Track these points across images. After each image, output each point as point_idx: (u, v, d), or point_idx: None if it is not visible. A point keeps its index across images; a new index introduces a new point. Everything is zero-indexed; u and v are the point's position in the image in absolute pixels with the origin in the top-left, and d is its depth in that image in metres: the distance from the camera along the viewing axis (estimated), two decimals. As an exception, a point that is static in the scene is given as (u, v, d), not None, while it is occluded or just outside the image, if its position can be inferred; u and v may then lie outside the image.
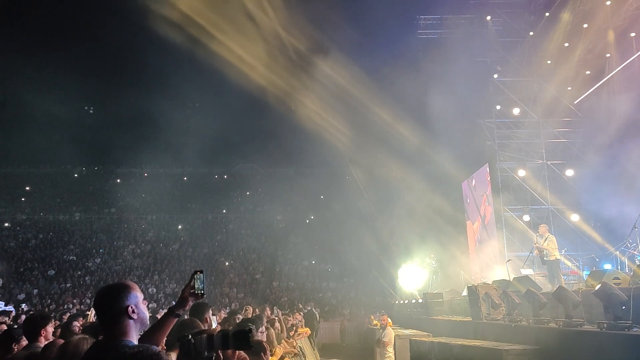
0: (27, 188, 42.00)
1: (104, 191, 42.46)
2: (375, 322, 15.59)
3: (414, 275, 20.85)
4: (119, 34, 38.31)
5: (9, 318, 10.12)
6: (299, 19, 24.84)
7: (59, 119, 48.62)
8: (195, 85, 47.20)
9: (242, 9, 25.69)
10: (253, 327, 4.03)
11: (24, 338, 4.29)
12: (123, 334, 2.17)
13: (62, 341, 3.85)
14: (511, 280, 12.19)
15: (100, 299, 2.23)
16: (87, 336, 3.30)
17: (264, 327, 5.75)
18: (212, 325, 4.18)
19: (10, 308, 19.15)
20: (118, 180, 44.62)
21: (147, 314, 2.31)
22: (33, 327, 4.23)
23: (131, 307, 2.20)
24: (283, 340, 7.87)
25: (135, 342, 2.20)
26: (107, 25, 40.16)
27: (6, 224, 36.65)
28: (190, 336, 2.59)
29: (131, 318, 2.19)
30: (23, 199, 40.54)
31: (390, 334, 12.42)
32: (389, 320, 15.40)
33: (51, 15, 41.38)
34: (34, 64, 41.49)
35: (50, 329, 4.35)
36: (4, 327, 6.20)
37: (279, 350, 6.48)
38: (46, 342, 4.17)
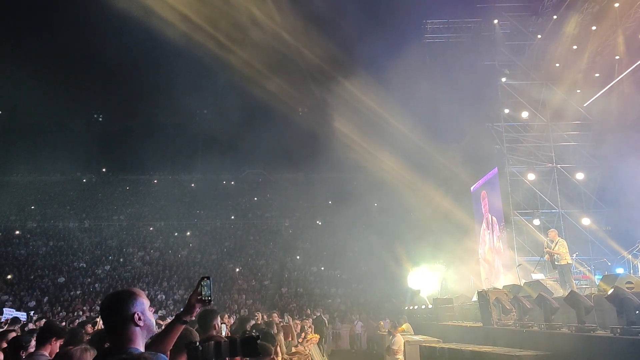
0: (38, 196, 42.33)
1: (113, 198, 42.72)
2: (385, 328, 15.56)
3: (423, 281, 20.74)
4: (127, 43, 38.64)
5: (18, 325, 10.16)
6: (306, 25, 24.92)
7: (68, 127, 49.11)
8: (203, 93, 47.48)
9: (249, 16, 25.83)
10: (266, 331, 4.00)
11: (32, 345, 4.30)
12: (129, 341, 2.14)
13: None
14: (522, 285, 12.08)
15: (106, 306, 2.21)
16: (88, 347, 3.30)
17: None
18: (220, 332, 4.15)
19: (22, 314, 19.20)
20: (127, 188, 44.88)
21: (154, 321, 2.29)
22: (48, 333, 4.24)
23: (137, 314, 2.18)
24: (293, 348, 7.84)
25: (142, 349, 2.18)
26: (115, 34, 40.52)
27: (17, 232, 36.94)
28: (198, 343, 2.56)
29: (137, 325, 2.17)
30: (33, 207, 40.85)
31: (399, 341, 12.34)
32: (408, 324, 15.41)
33: (60, 26, 41.84)
34: (43, 74, 41.90)
35: (58, 343, 4.35)
36: (13, 334, 6.21)
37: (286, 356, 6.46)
38: (49, 351, 4.19)
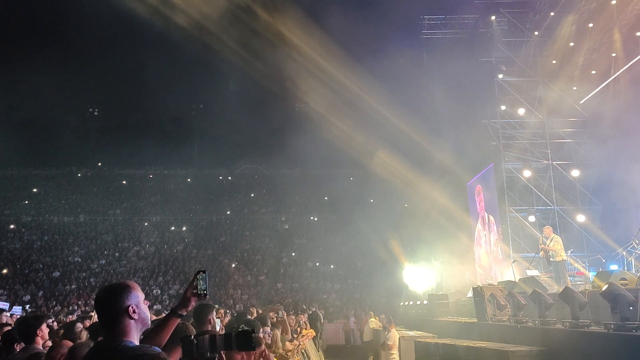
0: (33, 190, 42.15)
1: (109, 193, 42.58)
2: (376, 323, 15.67)
3: (419, 277, 20.77)
4: (122, 35, 38.45)
5: (9, 316, 10.09)
6: (304, 20, 24.83)
7: (63, 121, 48.89)
8: (199, 87, 47.37)
9: (246, 10, 25.72)
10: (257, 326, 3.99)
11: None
12: (123, 334, 2.13)
13: (70, 343, 3.83)
14: (517, 281, 12.12)
15: (100, 299, 2.19)
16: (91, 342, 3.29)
17: (268, 327, 5.72)
18: (215, 327, 4.14)
19: (18, 309, 19.12)
20: (123, 182, 44.75)
21: (149, 314, 2.27)
22: (27, 329, 4.16)
23: (132, 307, 2.16)
24: (287, 343, 7.83)
25: (136, 342, 2.16)
26: (110, 27, 40.31)
27: (11, 226, 36.78)
28: (192, 336, 2.55)
29: (132, 318, 2.15)
30: (28, 201, 40.67)
31: (394, 336, 12.37)
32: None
33: (56, 19, 41.58)
34: (39, 67, 41.64)
35: (45, 328, 4.30)
36: (8, 328, 6.19)
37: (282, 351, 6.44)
38: (43, 342, 4.14)
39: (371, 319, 16.04)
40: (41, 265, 31.89)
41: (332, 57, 25.02)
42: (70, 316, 10.61)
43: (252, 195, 43.39)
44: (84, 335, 4.89)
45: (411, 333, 13.98)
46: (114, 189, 43.62)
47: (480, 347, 9.11)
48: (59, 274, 31.11)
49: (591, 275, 12.72)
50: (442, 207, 22.94)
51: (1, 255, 32.75)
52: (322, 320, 19.25)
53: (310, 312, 19.52)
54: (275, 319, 9.22)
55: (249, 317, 7.17)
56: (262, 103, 39.02)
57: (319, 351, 14.30)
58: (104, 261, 33.03)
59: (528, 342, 8.55)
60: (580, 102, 19.04)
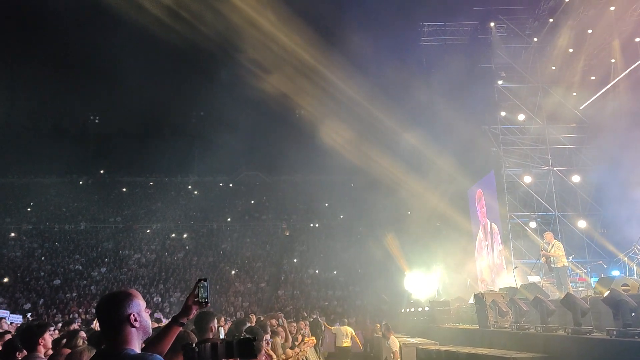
0: (34, 198, 42.16)
1: (110, 200, 42.59)
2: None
3: (420, 283, 20.73)
4: (123, 45, 38.61)
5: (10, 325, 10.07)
6: (304, 27, 24.94)
7: (64, 129, 49.01)
8: (199, 95, 47.52)
9: (246, 18, 25.83)
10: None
11: (27, 347, 4.26)
12: (125, 342, 2.14)
13: (68, 351, 3.82)
14: (518, 287, 12.10)
15: (102, 307, 2.20)
16: (90, 347, 3.29)
17: (268, 335, 5.71)
18: (217, 335, 4.14)
19: (18, 317, 19.12)
20: (123, 190, 44.78)
21: (150, 322, 2.28)
22: (30, 337, 4.17)
23: (133, 315, 2.17)
24: (288, 350, 7.82)
25: (138, 350, 2.17)
26: (111, 36, 40.49)
27: (12, 234, 36.77)
28: (194, 345, 2.56)
29: (133, 326, 2.16)
30: (29, 209, 40.69)
31: (395, 344, 12.34)
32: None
33: (56, 27, 41.76)
34: (39, 76, 41.80)
35: (48, 337, 4.30)
36: (10, 336, 6.18)
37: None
38: (45, 351, 4.14)
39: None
40: (42, 273, 31.86)
41: (332, 64, 25.13)
42: (73, 325, 10.57)
43: (253, 202, 43.38)
44: (80, 342, 4.90)
45: (413, 340, 13.95)
46: (114, 196, 43.62)
47: (482, 354, 9.10)
48: (59, 282, 31.07)
49: (593, 281, 12.69)
50: (443, 213, 22.92)
51: (2, 263, 32.69)
52: (323, 328, 19.20)
53: (312, 319, 19.46)
54: (276, 326, 9.20)
55: (248, 324, 7.16)
56: (262, 110, 39.12)
57: (320, 358, 14.25)
58: (104, 269, 32.98)
59: (530, 348, 8.54)
60: (580, 108, 19.06)
